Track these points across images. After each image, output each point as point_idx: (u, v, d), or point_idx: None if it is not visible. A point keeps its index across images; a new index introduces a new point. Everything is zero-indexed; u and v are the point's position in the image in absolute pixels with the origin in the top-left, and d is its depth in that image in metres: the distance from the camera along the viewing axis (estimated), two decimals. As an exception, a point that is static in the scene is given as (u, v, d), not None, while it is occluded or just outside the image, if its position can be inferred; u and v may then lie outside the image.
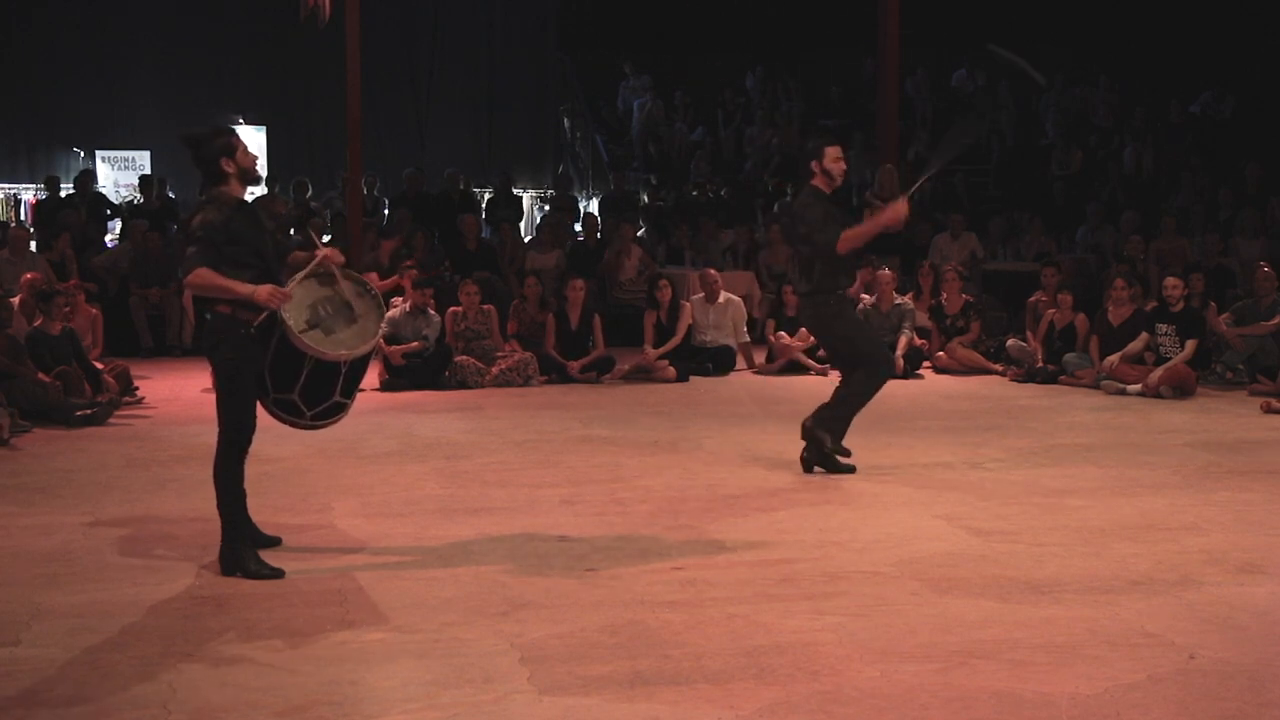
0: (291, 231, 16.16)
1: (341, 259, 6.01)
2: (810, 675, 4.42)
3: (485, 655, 4.62)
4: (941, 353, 12.61)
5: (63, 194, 17.23)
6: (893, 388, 11.58)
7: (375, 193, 17.93)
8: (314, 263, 5.89)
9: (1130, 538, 6.22)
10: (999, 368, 12.24)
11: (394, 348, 11.34)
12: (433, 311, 11.74)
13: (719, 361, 12.44)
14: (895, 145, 15.69)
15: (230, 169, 5.68)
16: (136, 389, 10.64)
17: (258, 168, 5.93)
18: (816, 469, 7.75)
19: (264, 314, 5.56)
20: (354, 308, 5.94)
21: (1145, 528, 6.41)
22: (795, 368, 12.36)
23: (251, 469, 5.84)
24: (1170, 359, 10.92)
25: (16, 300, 11.02)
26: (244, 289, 5.52)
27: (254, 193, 7.06)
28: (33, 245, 14.36)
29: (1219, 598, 5.27)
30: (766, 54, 22.15)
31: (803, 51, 22.19)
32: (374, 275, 11.18)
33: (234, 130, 5.88)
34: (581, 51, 22.36)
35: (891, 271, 12.77)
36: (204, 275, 5.52)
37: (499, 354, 11.89)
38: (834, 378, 12.15)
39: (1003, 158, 19.61)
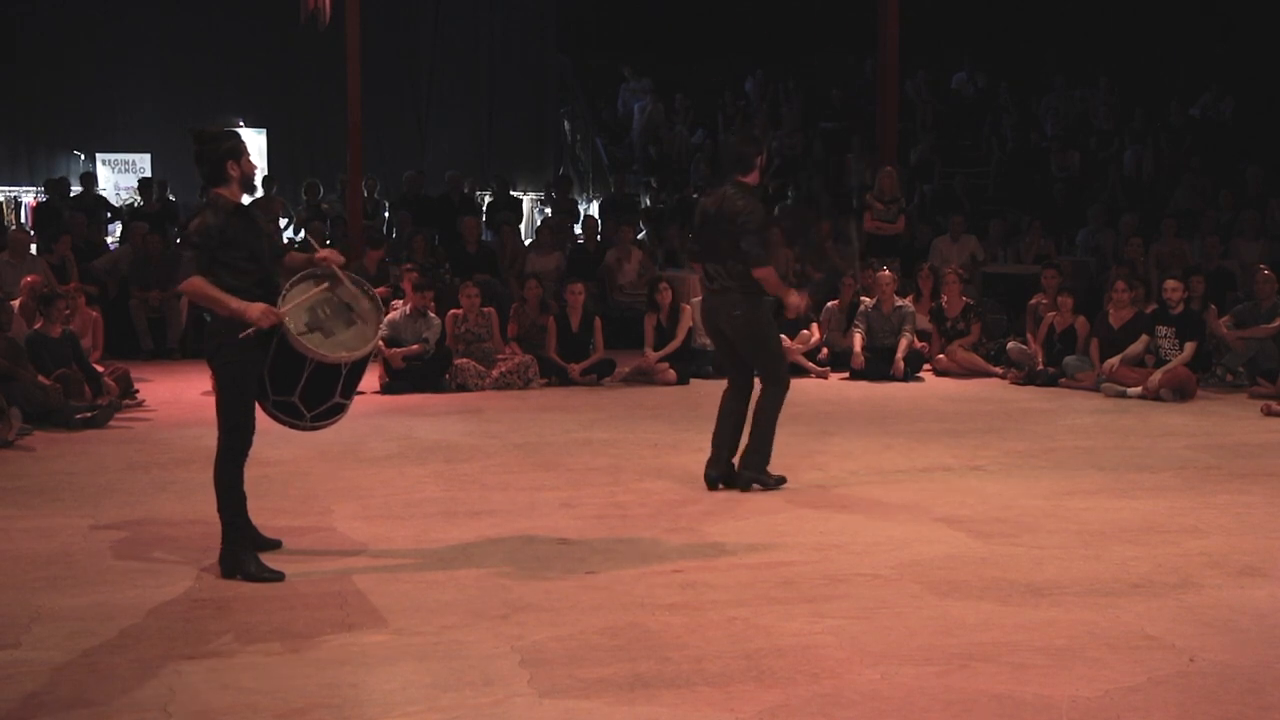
0: (302, 233, 16.21)
1: (341, 259, 6.04)
2: (810, 678, 4.42)
3: (485, 658, 4.62)
4: (942, 355, 12.61)
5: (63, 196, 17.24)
6: (893, 390, 11.64)
7: (375, 195, 17.93)
8: (311, 266, 5.92)
9: (1130, 540, 6.22)
10: (999, 370, 12.24)
11: (394, 350, 11.34)
12: (433, 314, 11.74)
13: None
14: (895, 148, 15.70)
15: (234, 173, 5.71)
16: (137, 391, 10.63)
17: (256, 176, 5.97)
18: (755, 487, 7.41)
19: (253, 328, 5.55)
20: (353, 309, 5.95)
21: (1145, 530, 6.42)
22: (795, 370, 12.34)
23: (251, 471, 5.84)
24: (1170, 361, 10.93)
25: (16, 303, 11.01)
26: (235, 304, 5.52)
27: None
28: (33, 248, 14.35)
29: (1219, 600, 5.27)
30: (766, 57, 22.16)
31: (802, 54, 22.21)
32: None
33: (240, 137, 5.89)
34: (582, 54, 22.37)
35: (892, 274, 12.77)
36: (197, 284, 5.54)
37: (499, 356, 11.89)
38: (834, 379, 12.25)
39: (1002, 160, 19.61)
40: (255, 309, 5.53)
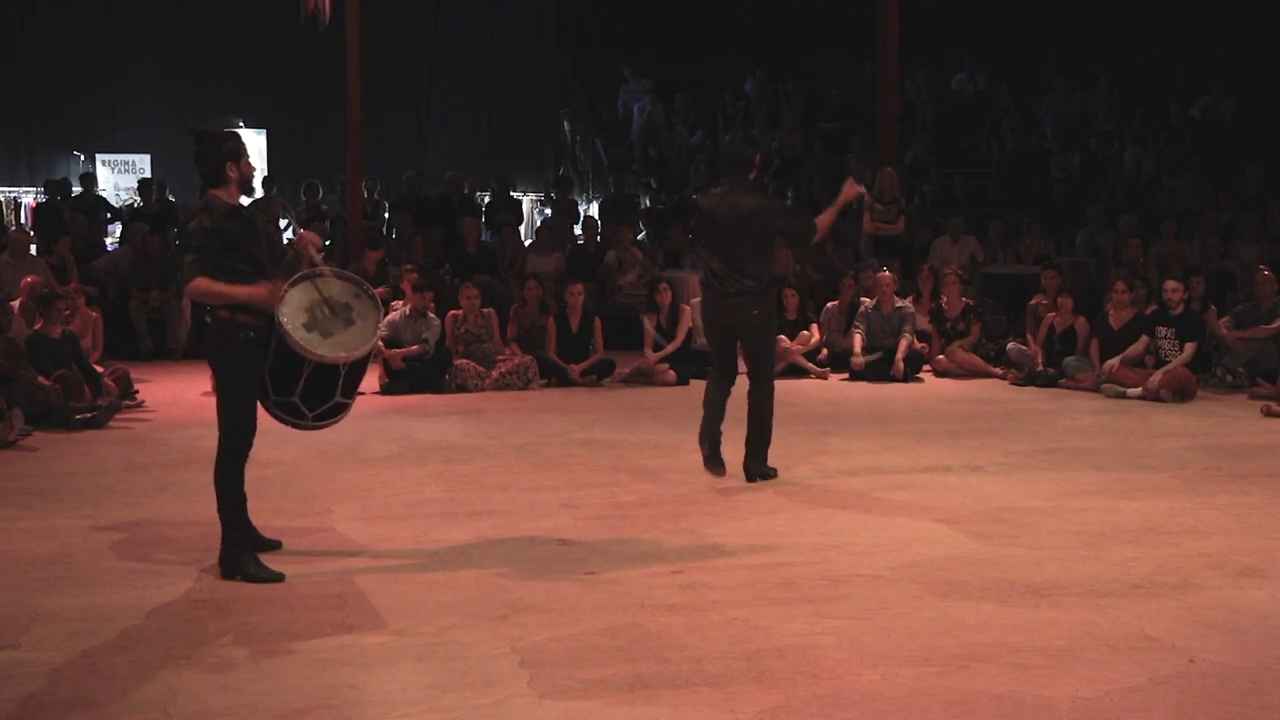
0: (300, 233, 16.18)
1: (318, 240, 6.16)
2: (810, 678, 4.43)
3: (485, 659, 4.62)
4: (942, 356, 12.61)
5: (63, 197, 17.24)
6: (893, 391, 11.64)
7: (375, 196, 17.93)
8: (294, 257, 6.07)
9: (1130, 541, 6.22)
10: (999, 371, 12.24)
11: (394, 351, 11.34)
12: (433, 314, 11.74)
13: (719, 365, 12.42)
14: (895, 148, 15.68)
15: (233, 175, 5.71)
16: (136, 392, 10.63)
17: (255, 179, 5.99)
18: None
19: (262, 317, 5.60)
20: (352, 309, 5.96)
21: (1145, 531, 6.42)
22: (795, 371, 12.36)
23: (252, 472, 5.84)
24: (1170, 362, 10.93)
25: (16, 303, 11.01)
26: (243, 292, 5.56)
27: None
28: (33, 248, 14.35)
29: (1219, 601, 5.27)
30: (766, 57, 22.16)
31: (802, 55, 22.22)
32: None
33: (241, 138, 5.89)
34: (582, 54, 22.37)
35: (892, 274, 12.77)
36: (202, 284, 5.57)
37: (499, 357, 11.89)
38: (834, 380, 12.25)
39: (1002, 161, 19.61)
40: (261, 290, 5.60)
